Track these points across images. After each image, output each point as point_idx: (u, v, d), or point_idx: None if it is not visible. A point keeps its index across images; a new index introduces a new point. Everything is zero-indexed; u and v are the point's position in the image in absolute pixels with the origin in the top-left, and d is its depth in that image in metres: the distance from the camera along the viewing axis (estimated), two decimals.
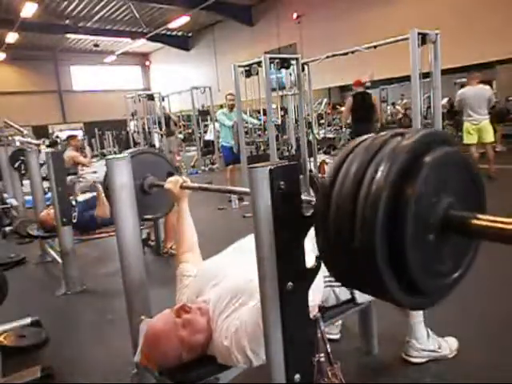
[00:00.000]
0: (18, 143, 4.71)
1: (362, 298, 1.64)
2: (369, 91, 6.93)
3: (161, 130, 10.26)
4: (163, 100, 10.78)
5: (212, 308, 1.35)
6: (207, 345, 1.31)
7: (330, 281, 1.54)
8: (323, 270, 1.32)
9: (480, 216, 0.63)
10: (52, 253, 3.71)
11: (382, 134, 0.69)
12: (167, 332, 1.27)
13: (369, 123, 6.40)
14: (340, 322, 2.08)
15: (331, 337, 2.05)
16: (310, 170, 5.98)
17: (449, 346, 1.93)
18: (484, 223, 0.62)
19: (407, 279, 0.64)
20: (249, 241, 1.58)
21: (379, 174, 0.62)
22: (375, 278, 0.63)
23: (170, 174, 1.89)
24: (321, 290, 1.43)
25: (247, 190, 1.09)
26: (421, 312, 1.86)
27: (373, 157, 0.64)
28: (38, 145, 4.05)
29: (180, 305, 1.35)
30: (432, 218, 0.64)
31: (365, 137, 0.72)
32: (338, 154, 0.73)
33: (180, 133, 12.15)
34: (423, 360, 1.89)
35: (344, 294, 1.61)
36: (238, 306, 1.30)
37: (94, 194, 3.70)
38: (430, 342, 1.89)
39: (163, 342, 1.27)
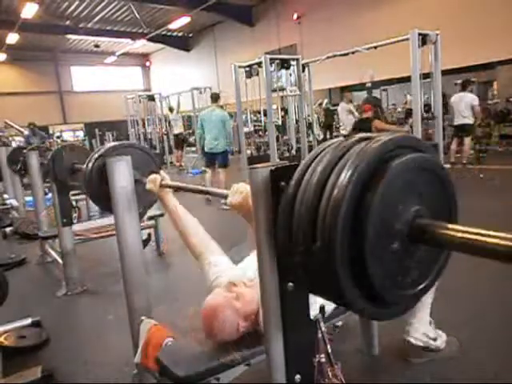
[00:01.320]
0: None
1: None
2: (370, 117, 7.17)
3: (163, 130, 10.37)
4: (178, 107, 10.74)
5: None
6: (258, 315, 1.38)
7: None
8: None
9: (449, 225, 0.59)
10: (52, 253, 3.72)
11: (351, 137, 0.67)
12: (223, 305, 1.38)
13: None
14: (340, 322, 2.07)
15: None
16: None
17: (442, 339, 1.94)
18: (452, 233, 0.58)
19: (368, 288, 0.61)
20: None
21: (342, 177, 0.59)
22: (335, 284, 0.61)
23: (153, 171, 1.81)
24: None
25: (227, 191, 1.09)
26: (431, 294, 1.83)
27: (338, 160, 0.62)
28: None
29: (228, 282, 1.46)
30: (397, 226, 0.61)
31: (335, 140, 0.70)
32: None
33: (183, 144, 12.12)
34: (420, 344, 1.88)
35: None
36: None
37: None
38: (430, 329, 1.90)
39: (221, 314, 1.36)
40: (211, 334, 1.39)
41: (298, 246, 0.65)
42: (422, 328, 1.88)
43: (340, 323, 2.12)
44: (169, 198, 1.69)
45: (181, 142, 11.13)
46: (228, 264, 1.65)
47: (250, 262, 1.64)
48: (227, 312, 1.37)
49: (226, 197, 1.23)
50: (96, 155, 1.82)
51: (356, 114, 8.13)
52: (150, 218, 3.79)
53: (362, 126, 7.04)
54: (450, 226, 0.59)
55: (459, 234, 0.57)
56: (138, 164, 1.81)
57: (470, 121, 7.27)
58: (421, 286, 0.67)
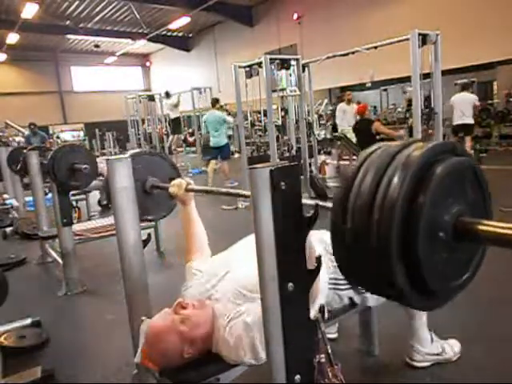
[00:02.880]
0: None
1: (370, 301, 1.64)
2: (371, 119, 7.27)
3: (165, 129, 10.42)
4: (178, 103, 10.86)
5: (219, 297, 1.38)
6: (210, 339, 1.32)
7: (334, 283, 1.53)
8: (328, 273, 1.32)
9: (487, 222, 0.66)
10: (52, 253, 3.72)
11: (394, 144, 0.74)
12: (166, 329, 1.29)
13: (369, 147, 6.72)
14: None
15: (329, 336, 2.05)
16: (311, 171, 5.99)
17: (452, 348, 1.92)
18: (490, 229, 0.65)
19: (419, 280, 0.67)
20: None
21: (394, 182, 0.66)
22: (389, 277, 0.67)
23: (172, 178, 1.87)
24: (325, 291, 1.43)
25: (247, 193, 1.09)
26: (424, 315, 1.85)
27: (387, 165, 0.69)
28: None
29: (177, 302, 1.37)
30: (443, 224, 0.68)
31: (376, 146, 0.76)
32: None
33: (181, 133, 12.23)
34: (428, 364, 1.88)
35: (347, 297, 1.61)
36: (247, 300, 1.32)
37: None
38: (433, 346, 1.88)
39: (163, 339, 1.28)
40: (151, 359, 1.31)
41: (354, 245, 0.71)
42: (423, 349, 1.87)
43: (335, 335, 2.12)
44: (192, 204, 1.72)
45: (178, 125, 11.27)
46: (205, 273, 1.57)
47: (234, 255, 1.60)
48: (170, 337, 1.28)
49: (247, 196, 1.23)
50: None
51: (349, 116, 8.17)
52: (150, 220, 3.78)
53: (362, 125, 7.07)
54: (488, 222, 0.67)
55: (496, 230, 0.64)
56: (156, 171, 1.86)
57: (471, 121, 7.40)
58: (463, 278, 0.74)
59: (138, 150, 1.99)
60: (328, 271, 1.42)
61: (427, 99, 5.02)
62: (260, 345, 1.20)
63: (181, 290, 1.59)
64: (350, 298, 1.61)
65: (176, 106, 10.93)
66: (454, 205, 0.69)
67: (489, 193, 0.75)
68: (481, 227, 0.66)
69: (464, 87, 7.80)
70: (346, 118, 8.28)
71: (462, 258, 0.73)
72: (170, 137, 11.22)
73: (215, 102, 7.75)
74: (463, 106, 7.38)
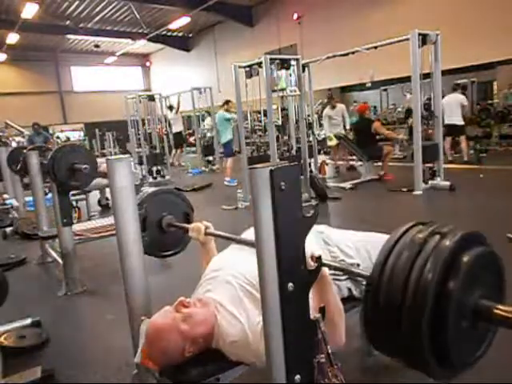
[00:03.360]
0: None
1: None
2: (371, 118, 7.29)
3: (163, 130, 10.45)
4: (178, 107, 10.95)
5: (219, 299, 1.37)
6: (211, 337, 1.32)
7: (333, 274, 1.54)
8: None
9: (500, 307, 0.75)
10: (53, 253, 3.72)
11: (421, 230, 0.83)
12: (167, 327, 1.28)
13: (369, 147, 6.84)
14: None
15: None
16: (311, 171, 5.99)
17: None
18: (503, 313, 0.74)
19: (443, 354, 0.77)
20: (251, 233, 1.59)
21: (426, 270, 0.75)
22: (420, 355, 0.77)
23: (187, 214, 1.96)
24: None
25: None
26: None
27: (417, 254, 0.77)
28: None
29: (178, 300, 1.36)
30: (468, 306, 0.77)
31: (404, 229, 0.85)
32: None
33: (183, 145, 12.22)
34: None
35: (346, 288, 1.61)
36: (250, 299, 1.31)
37: None
38: None
39: (164, 337, 1.27)
40: (152, 358, 1.30)
41: (387, 328, 0.81)
42: None
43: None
44: (211, 245, 1.75)
45: (180, 140, 11.25)
46: (205, 273, 1.57)
47: (233, 253, 1.60)
48: (172, 335, 1.26)
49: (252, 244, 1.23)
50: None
51: (337, 119, 8.09)
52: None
53: (362, 124, 7.07)
54: (503, 307, 0.75)
55: (509, 315, 0.74)
56: (170, 208, 1.93)
57: (459, 121, 7.44)
58: (478, 353, 0.86)
59: (152, 190, 2.01)
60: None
61: (426, 104, 5.03)
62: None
63: (182, 291, 1.59)
64: (349, 289, 1.61)
65: (176, 111, 10.89)
66: (476, 289, 0.78)
67: (504, 279, 0.84)
68: (497, 311, 0.75)
69: (454, 88, 7.83)
70: (332, 123, 8.13)
71: (478, 336, 0.83)
72: (173, 151, 11.20)
73: (224, 103, 8.09)
74: (452, 106, 7.43)
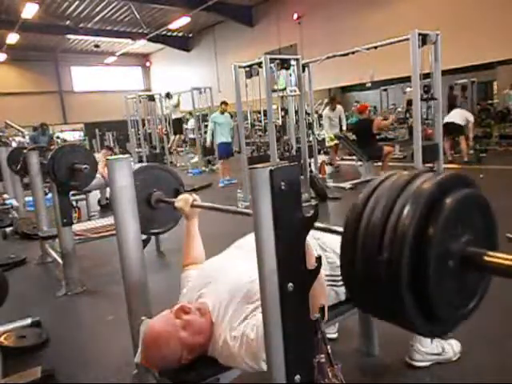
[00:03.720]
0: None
1: None
2: (371, 118, 7.32)
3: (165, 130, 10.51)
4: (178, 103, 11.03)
5: (211, 308, 1.35)
6: (207, 345, 1.31)
7: (331, 280, 1.54)
8: (325, 269, 1.31)
9: (493, 253, 0.69)
10: (52, 253, 3.72)
11: (405, 173, 0.76)
12: (167, 333, 1.26)
13: (369, 147, 6.85)
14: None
15: (329, 336, 2.05)
16: (311, 171, 5.99)
17: (452, 348, 1.92)
18: (496, 260, 0.68)
19: (428, 308, 0.70)
20: (248, 240, 1.58)
21: (405, 212, 0.68)
22: (399, 307, 0.69)
23: (177, 191, 1.91)
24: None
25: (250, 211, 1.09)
26: None
27: (398, 194, 0.71)
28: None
29: (179, 305, 1.35)
30: (452, 254, 0.70)
31: (389, 173, 0.79)
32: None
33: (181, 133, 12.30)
34: (427, 364, 1.88)
35: (344, 293, 1.61)
36: (241, 307, 1.30)
37: None
38: (434, 346, 1.88)
39: (163, 343, 1.25)
40: (148, 362, 1.28)
41: (364, 275, 0.73)
42: (424, 348, 1.87)
43: (335, 335, 2.13)
44: (196, 220, 1.73)
45: (179, 126, 11.37)
46: (197, 278, 1.55)
47: (227, 259, 1.58)
48: (171, 342, 1.25)
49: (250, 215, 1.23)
50: None
51: (335, 121, 8.15)
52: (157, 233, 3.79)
53: (361, 125, 7.10)
54: (494, 253, 0.69)
55: (502, 261, 0.67)
56: (160, 183, 1.89)
57: (459, 121, 7.41)
58: (469, 307, 0.77)
59: (140, 165, 2.00)
60: (324, 268, 1.42)
61: (426, 86, 4.99)
62: (263, 360, 1.15)
63: (180, 293, 1.58)
64: (347, 294, 1.61)
65: (177, 106, 11.01)
66: (462, 235, 0.71)
67: (495, 224, 0.77)
68: (487, 258, 0.69)
69: (451, 87, 7.83)
70: (332, 124, 8.23)
71: (468, 286, 0.76)
72: (172, 137, 11.29)
73: (220, 104, 8.25)
74: (456, 118, 7.44)
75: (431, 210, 0.68)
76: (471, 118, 7.60)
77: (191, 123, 11.65)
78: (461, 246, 0.71)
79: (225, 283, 1.40)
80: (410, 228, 0.67)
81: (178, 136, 11.80)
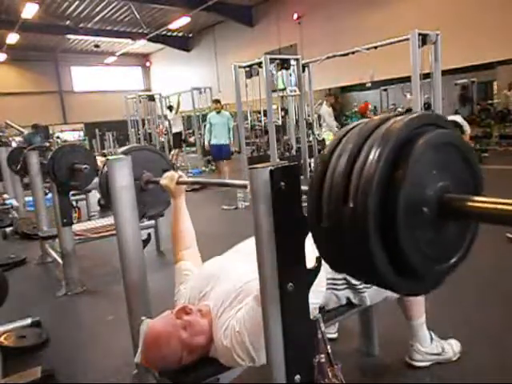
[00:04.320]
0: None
1: (368, 301, 1.64)
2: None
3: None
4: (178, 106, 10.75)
5: (212, 309, 1.35)
6: (208, 347, 1.31)
7: (332, 283, 1.54)
8: (326, 273, 1.31)
9: (476, 198, 0.62)
10: (52, 253, 3.72)
11: (375, 118, 0.69)
12: (168, 334, 1.26)
13: None
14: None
15: (329, 336, 2.05)
16: (311, 171, 6.00)
17: (451, 348, 1.92)
18: (480, 205, 0.60)
19: (401, 261, 0.63)
20: (249, 243, 1.57)
21: (371, 155, 0.61)
22: (367, 258, 0.62)
23: (166, 171, 1.85)
24: (322, 292, 1.43)
25: (245, 182, 1.08)
26: (423, 314, 1.85)
27: (366, 139, 0.64)
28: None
29: (181, 306, 1.34)
30: (427, 200, 0.63)
31: (360, 121, 0.72)
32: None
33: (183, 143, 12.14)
34: (427, 364, 1.88)
35: (345, 297, 1.61)
36: (234, 307, 1.30)
37: None
38: (433, 345, 1.88)
39: (163, 343, 1.25)
40: (149, 362, 1.28)
41: (329, 206, 0.65)
42: (423, 348, 1.87)
43: (335, 335, 2.12)
44: (182, 198, 1.70)
45: (179, 140, 11.22)
46: (197, 278, 1.53)
47: (227, 261, 1.57)
48: (171, 342, 1.25)
49: (241, 186, 1.24)
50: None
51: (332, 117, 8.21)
52: (150, 217, 3.79)
53: None
54: (477, 198, 0.61)
55: (487, 205, 0.59)
56: (149, 165, 1.86)
57: (459, 119, 7.37)
58: (452, 260, 0.69)
59: (132, 145, 1.98)
60: (326, 271, 1.42)
61: (426, 103, 5.02)
62: (252, 349, 1.18)
63: (174, 296, 1.57)
64: (347, 298, 1.61)
65: (176, 112, 10.70)
66: (438, 181, 0.64)
67: (477, 167, 0.70)
68: (468, 203, 0.61)
69: (464, 87, 7.82)
70: (331, 120, 8.29)
71: (449, 237, 0.67)
72: (172, 151, 11.13)
73: (213, 102, 8.05)
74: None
75: (400, 153, 0.61)
76: (467, 128, 7.62)
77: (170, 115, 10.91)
78: (437, 192, 0.63)
79: (225, 284, 1.40)
80: (376, 172, 0.59)
81: (177, 150, 11.67)
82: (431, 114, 0.69)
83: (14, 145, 10.23)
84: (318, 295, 1.37)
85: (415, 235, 0.62)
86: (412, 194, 0.61)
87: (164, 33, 17.05)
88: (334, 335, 2.12)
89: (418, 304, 1.82)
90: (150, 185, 1.84)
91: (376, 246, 0.61)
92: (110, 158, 1.55)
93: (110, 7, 15.08)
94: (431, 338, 1.88)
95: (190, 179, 1.70)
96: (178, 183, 1.66)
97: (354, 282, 1.54)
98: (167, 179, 1.66)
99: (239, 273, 1.41)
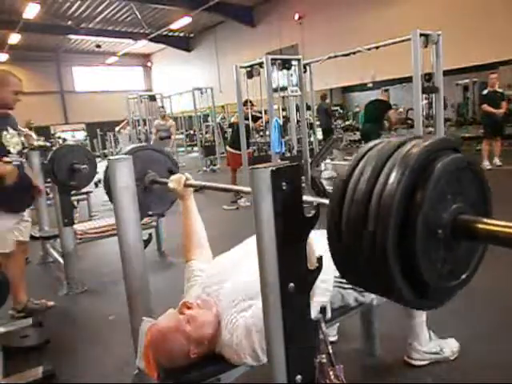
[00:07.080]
0: None
1: (374, 300, 1.63)
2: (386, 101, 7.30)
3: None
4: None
5: (222, 302, 1.36)
6: (215, 340, 1.31)
7: (338, 282, 1.53)
8: (334, 270, 1.30)
9: (488, 221, 0.65)
10: (54, 253, 3.72)
11: (392, 140, 0.72)
12: (172, 329, 1.28)
13: (375, 124, 6.70)
14: (337, 323, 2.06)
15: (329, 339, 2.04)
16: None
17: (450, 347, 1.92)
18: (490, 227, 0.63)
19: (418, 280, 0.66)
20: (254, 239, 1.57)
21: (392, 178, 0.64)
22: (387, 278, 0.65)
23: (171, 171, 1.86)
24: (330, 291, 1.42)
25: (247, 189, 1.08)
26: (423, 313, 1.85)
27: (385, 161, 0.67)
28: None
29: (181, 302, 1.36)
30: (442, 222, 0.66)
31: (377, 141, 0.74)
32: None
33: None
34: (425, 362, 1.88)
35: (350, 297, 1.60)
36: (249, 304, 1.30)
37: None
38: (432, 344, 1.88)
39: (169, 338, 1.27)
40: (157, 361, 1.28)
41: (349, 246, 0.68)
42: (422, 347, 1.87)
43: (335, 338, 2.11)
44: (191, 199, 1.70)
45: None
46: (207, 276, 1.53)
47: (239, 256, 1.56)
48: (176, 337, 1.26)
49: (245, 192, 1.25)
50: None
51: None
52: (151, 215, 3.79)
53: (373, 105, 7.11)
54: (489, 221, 0.64)
55: (496, 228, 0.62)
56: (154, 165, 1.85)
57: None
58: (462, 277, 0.73)
59: (136, 145, 1.97)
60: (333, 269, 1.41)
61: (427, 74, 4.96)
62: (259, 348, 1.20)
63: (183, 291, 1.58)
64: (356, 299, 1.60)
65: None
66: (453, 203, 0.67)
67: (489, 190, 0.73)
68: (480, 225, 0.64)
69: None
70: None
71: (460, 256, 0.71)
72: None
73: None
74: None
75: (419, 177, 0.64)
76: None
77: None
78: (451, 214, 0.66)
79: (236, 280, 1.40)
80: (396, 197, 0.62)
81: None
82: (448, 138, 0.73)
83: None
84: (325, 294, 1.37)
85: (430, 255, 0.66)
86: (429, 217, 0.64)
87: (165, 33, 17.07)
88: (334, 338, 2.11)
89: None
90: (154, 185, 1.85)
91: (394, 267, 0.64)
92: (110, 158, 1.55)
93: (112, 7, 15.10)
94: (430, 337, 1.88)
95: (199, 182, 1.70)
96: (186, 186, 1.66)
97: None
98: (174, 182, 1.66)
99: (250, 269, 1.41)
